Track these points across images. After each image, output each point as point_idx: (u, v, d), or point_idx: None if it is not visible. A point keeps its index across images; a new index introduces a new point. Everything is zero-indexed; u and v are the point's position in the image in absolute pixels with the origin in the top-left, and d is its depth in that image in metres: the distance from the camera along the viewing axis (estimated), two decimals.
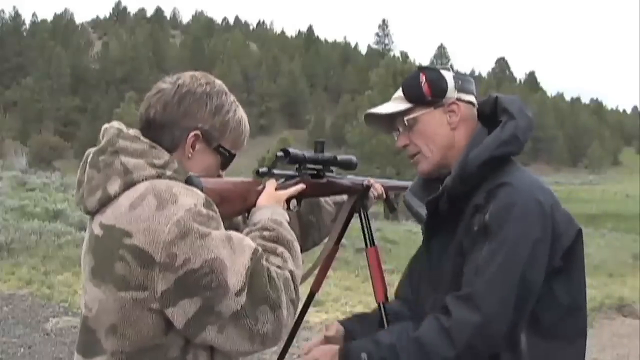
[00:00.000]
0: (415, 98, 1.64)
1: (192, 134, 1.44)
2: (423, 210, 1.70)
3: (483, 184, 1.57)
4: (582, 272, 1.62)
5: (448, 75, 1.64)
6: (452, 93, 1.63)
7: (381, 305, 1.86)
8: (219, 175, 1.54)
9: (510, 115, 1.59)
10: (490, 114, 1.65)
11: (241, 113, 1.53)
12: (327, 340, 1.80)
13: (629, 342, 7.27)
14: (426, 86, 1.62)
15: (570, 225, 1.56)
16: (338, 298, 8.07)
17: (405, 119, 1.65)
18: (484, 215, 1.51)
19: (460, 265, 1.56)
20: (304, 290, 2.12)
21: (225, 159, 1.51)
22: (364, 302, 7.65)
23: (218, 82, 1.51)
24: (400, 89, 1.68)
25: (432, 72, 1.64)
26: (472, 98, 1.67)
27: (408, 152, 1.69)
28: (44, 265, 7.98)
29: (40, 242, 8.95)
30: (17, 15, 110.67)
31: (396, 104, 1.68)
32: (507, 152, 1.58)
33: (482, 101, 1.70)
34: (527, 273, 1.47)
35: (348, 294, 8.44)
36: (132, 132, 1.43)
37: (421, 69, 1.66)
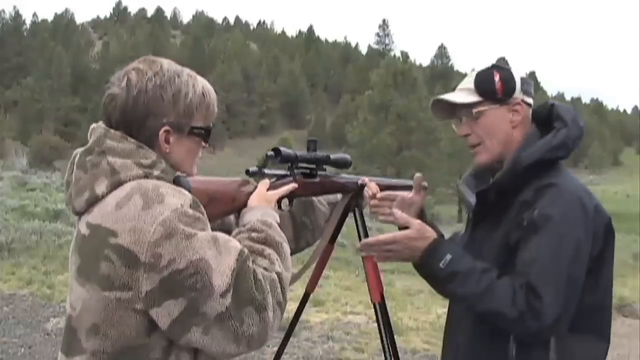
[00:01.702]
0: (487, 93, 1.74)
1: (161, 131, 1.41)
2: (473, 200, 1.80)
3: (532, 182, 1.67)
4: (611, 274, 1.72)
5: (517, 77, 1.76)
6: (518, 94, 1.75)
7: (377, 305, 1.86)
8: (204, 147, 1.51)
9: (564, 122, 1.71)
10: (545, 119, 1.77)
11: (201, 85, 1.46)
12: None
13: (629, 342, 7.27)
14: (499, 84, 1.73)
15: (606, 227, 1.66)
16: (338, 298, 8.07)
17: (474, 110, 1.75)
18: (533, 211, 1.62)
19: (503, 255, 1.66)
20: (301, 290, 2.13)
21: (203, 135, 1.48)
22: (364, 302, 7.64)
23: (165, 64, 1.43)
24: (470, 80, 1.78)
25: (506, 72, 1.75)
26: (531, 101, 1.80)
27: (469, 141, 1.80)
28: (44, 265, 7.99)
29: (40, 242, 8.95)
30: (17, 15, 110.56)
31: (466, 94, 1.77)
32: (556, 157, 1.69)
33: (539, 106, 1.81)
34: (571, 271, 1.57)
35: (348, 294, 8.44)
36: (120, 131, 1.40)
37: (495, 67, 1.78)
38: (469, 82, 1.78)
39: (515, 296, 1.55)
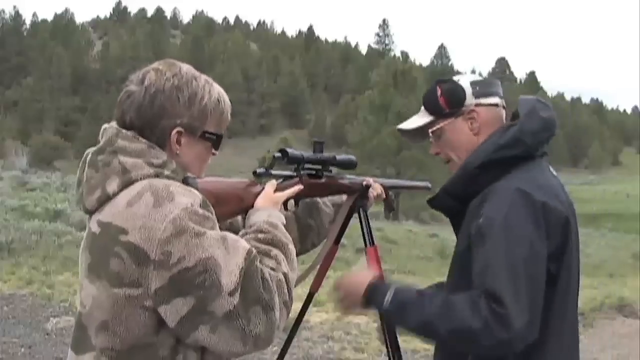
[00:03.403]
0: (435, 111, 1.71)
1: (173, 131, 1.42)
2: None
3: (486, 185, 1.59)
4: (573, 278, 1.61)
5: (465, 83, 1.69)
6: (470, 100, 1.68)
7: None
8: (213, 154, 1.53)
9: (519, 118, 1.64)
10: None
11: (217, 91, 1.48)
12: None
13: (629, 342, 7.27)
14: (442, 99, 1.68)
15: (563, 226, 1.55)
16: None
17: (430, 131, 1.72)
18: (479, 218, 1.54)
19: (458, 264, 1.61)
20: (304, 291, 2.13)
21: (214, 141, 1.49)
22: None
23: (184, 68, 1.46)
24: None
25: (449, 84, 1.69)
26: (494, 100, 1.71)
27: (442, 157, 1.76)
28: (44, 265, 8.00)
29: (40, 242, 8.97)
30: (17, 15, 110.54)
31: (420, 117, 1.75)
32: (508, 155, 1.60)
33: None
34: (529, 269, 1.47)
35: None
36: (131, 132, 1.42)
37: (438, 82, 1.73)
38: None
39: (475, 305, 1.44)
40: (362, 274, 1.72)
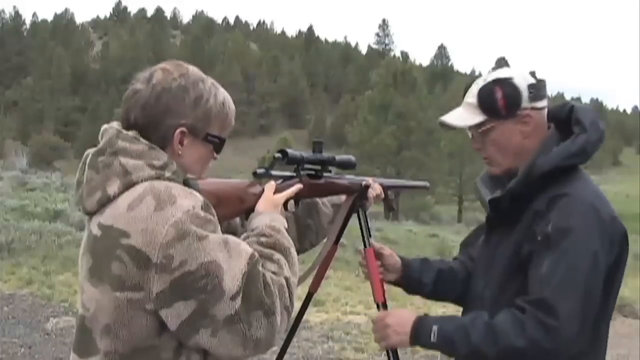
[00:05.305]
0: (490, 111, 1.67)
1: (177, 131, 1.42)
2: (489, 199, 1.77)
3: (547, 189, 1.62)
4: (619, 285, 1.70)
5: (523, 87, 1.67)
6: (526, 104, 1.67)
7: (380, 306, 1.86)
8: (214, 158, 1.53)
9: (582, 127, 1.65)
10: (565, 120, 1.70)
11: (222, 95, 1.49)
12: (379, 257, 1.93)
13: (629, 342, 7.27)
14: (502, 102, 1.66)
15: (622, 238, 1.62)
16: (338, 298, 8.07)
17: (480, 130, 1.70)
18: (546, 225, 1.57)
19: (514, 265, 1.64)
20: (303, 290, 2.13)
21: (216, 144, 1.50)
22: (364, 302, 7.65)
23: (191, 69, 1.47)
24: (475, 95, 1.69)
25: (509, 87, 1.66)
26: (544, 102, 1.71)
27: (481, 154, 1.76)
28: (44, 265, 8.00)
29: (40, 242, 8.96)
30: (17, 15, 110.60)
31: (469, 114, 1.71)
32: (574, 163, 1.64)
33: (557, 107, 1.74)
34: (589, 283, 1.53)
35: (348, 294, 8.45)
36: (132, 133, 1.42)
37: (496, 82, 1.67)
38: (472, 96, 1.70)
39: (518, 324, 1.51)
40: (404, 312, 1.76)
